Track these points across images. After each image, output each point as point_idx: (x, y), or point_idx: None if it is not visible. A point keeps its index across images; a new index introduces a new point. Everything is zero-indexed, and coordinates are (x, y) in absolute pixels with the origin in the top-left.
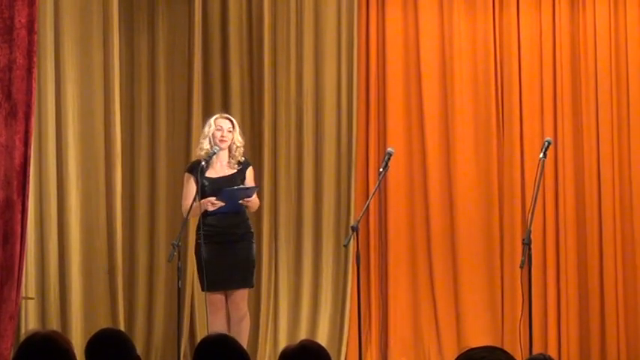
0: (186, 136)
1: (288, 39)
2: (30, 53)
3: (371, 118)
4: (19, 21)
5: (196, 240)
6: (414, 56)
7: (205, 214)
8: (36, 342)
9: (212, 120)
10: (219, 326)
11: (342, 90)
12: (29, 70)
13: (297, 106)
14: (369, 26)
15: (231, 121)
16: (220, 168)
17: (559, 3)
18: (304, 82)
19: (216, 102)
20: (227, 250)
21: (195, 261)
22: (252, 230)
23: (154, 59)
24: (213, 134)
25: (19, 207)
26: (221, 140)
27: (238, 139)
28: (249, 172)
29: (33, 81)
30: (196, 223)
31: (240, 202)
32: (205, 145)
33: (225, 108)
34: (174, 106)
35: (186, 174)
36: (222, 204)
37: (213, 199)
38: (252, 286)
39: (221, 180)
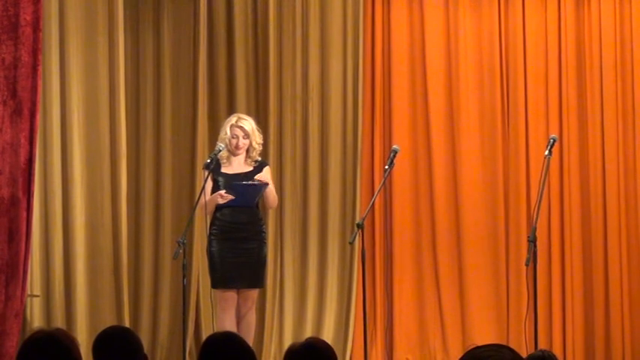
0: (191, 134)
1: (294, 36)
2: (35, 51)
3: (376, 115)
4: (24, 18)
5: (209, 236)
6: (420, 53)
7: (219, 208)
8: (39, 340)
9: (228, 127)
10: (228, 324)
11: (347, 87)
12: (34, 68)
13: (302, 104)
14: (375, 23)
15: (246, 129)
16: (237, 165)
17: (564, 0)
18: (310, 79)
19: (222, 99)
20: (239, 247)
21: (207, 258)
22: (265, 231)
23: (159, 57)
24: (229, 141)
25: (24, 205)
26: (236, 148)
27: (256, 141)
28: (266, 171)
29: (38, 79)
30: (209, 220)
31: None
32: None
33: (231, 105)
34: (180, 103)
35: (204, 171)
36: (232, 197)
37: (223, 192)
38: (262, 287)
39: (237, 177)
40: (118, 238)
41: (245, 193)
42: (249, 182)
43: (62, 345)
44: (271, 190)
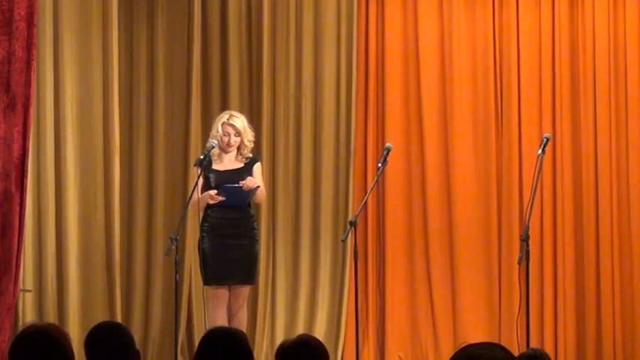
0: (184, 129)
1: (288, 32)
2: (29, 46)
3: (370, 113)
4: (19, 13)
5: (200, 233)
6: (413, 51)
7: (210, 205)
8: (31, 335)
9: (220, 124)
10: (220, 321)
11: (341, 84)
12: (28, 63)
13: (295, 100)
14: (369, 20)
15: (238, 127)
16: (228, 161)
17: (559, 0)
18: (303, 76)
19: (215, 95)
20: (230, 244)
21: (198, 255)
22: (256, 228)
23: (153, 52)
24: (221, 138)
25: (17, 199)
26: (227, 145)
27: (247, 139)
28: (257, 168)
29: (32, 74)
30: (201, 216)
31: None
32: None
33: (224, 102)
34: (173, 99)
35: (195, 167)
36: (223, 198)
37: (213, 192)
38: (254, 283)
39: (227, 173)
40: (111, 234)
41: (236, 194)
42: (240, 185)
43: (54, 340)
44: (261, 190)
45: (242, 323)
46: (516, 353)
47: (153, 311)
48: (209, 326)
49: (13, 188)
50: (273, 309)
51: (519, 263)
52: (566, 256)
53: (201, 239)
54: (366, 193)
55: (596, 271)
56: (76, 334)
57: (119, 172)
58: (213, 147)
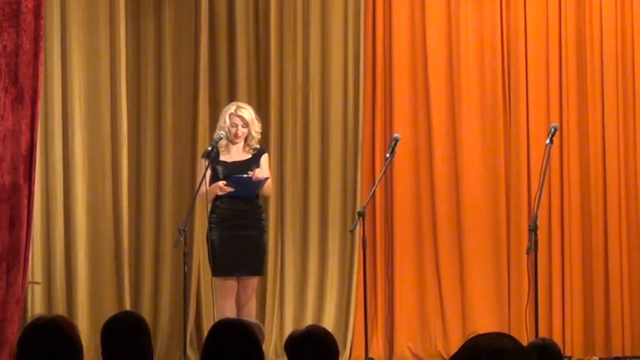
0: (192, 121)
1: (295, 24)
2: (36, 38)
3: (377, 103)
4: (26, 5)
5: (209, 224)
6: (421, 41)
7: (218, 196)
8: (40, 326)
9: (227, 116)
10: (228, 312)
11: (348, 76)
12: (36, 55)
13: (303, 92)
14: (376, 12)
15: (245, 118)
16: (236, 153)
17: None
18: (311, 67)
19: (223, 86)
20: (238, 235)
21: (206, 246)
22: (265, 219)
23: (160, 43)
24: (228, 129)
25: (25, 192)
26: (235, 136)
27: (255, 130)
28: (264, 159)
29: (39, 66)
30: (209, 208)
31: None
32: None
33: (232, 93)
34: (181, 90)
35: (202, 159)
36: (232, 189)
37: (222, 183)
38: (262, 274)
39: (235, 165)
40: (119, 226)
41: (245, 185)
42: (249, 175)
43: (63, 331)
44: (268, 183)
45: (251, 314)
46: (525, 343)
47: (161, 303)
48: (218, 317)
49: (22, 181)
50: (282, 300)
51: (528, 253)
52: (574, 245)
53: (210, 230)
54: (374, 183)
55: (604, 260)
56: (84, 326)
57: (127, 164)
58: (221, 138)
